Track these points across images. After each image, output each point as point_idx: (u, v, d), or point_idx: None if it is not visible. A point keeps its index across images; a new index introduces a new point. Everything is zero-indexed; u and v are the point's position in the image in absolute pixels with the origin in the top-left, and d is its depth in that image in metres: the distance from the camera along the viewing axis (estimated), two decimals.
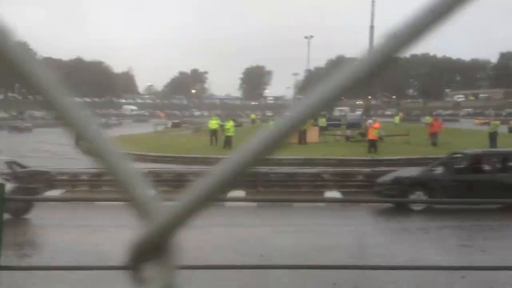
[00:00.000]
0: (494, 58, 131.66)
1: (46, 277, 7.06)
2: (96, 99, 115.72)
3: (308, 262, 8.46)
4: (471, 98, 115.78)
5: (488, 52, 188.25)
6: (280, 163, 21.82)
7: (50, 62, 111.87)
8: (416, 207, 13.34)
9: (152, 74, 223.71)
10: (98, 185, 16.80)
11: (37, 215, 12.90)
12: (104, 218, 12.82)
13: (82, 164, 15.26)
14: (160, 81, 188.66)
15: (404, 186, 13.79)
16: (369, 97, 48.37)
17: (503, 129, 32.35)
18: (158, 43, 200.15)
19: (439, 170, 14.14)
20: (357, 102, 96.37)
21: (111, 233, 11.32)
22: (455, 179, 13.59)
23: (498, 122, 27.48)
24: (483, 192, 13.01)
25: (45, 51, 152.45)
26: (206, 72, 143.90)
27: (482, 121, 58.45)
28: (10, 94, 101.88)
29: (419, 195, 13.68)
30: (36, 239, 11.63)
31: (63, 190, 17.08)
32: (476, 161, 14.42)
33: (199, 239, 11.23)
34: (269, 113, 76.11)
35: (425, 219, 12.75)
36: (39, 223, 12.74)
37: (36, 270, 6.35)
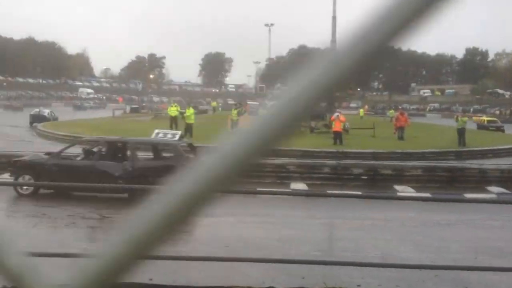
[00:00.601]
0: (459, 54, 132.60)
1: None
2: (51, 81, 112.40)
3: (275, 254, 8.38)
4: (437, 93, 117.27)
5: (454, 47, 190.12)
6: None
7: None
8: (24, 191, 13.09)
9: (108, 57, 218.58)
10: None
11: None
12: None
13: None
14: (117, 65, 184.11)
15: (16, 169, 13.73)
16: None
17: (471, 125, 32.84)
18: (115, 26, 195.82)
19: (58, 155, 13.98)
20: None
21: None
22: (59, 164, 13.38)
23: (466, 118, 27.80)
24: (85, 178, 12.57)
25: None
26: (163, 57, 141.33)
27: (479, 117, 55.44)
28: None
29: (28, 178, 13.53)
30: None
31: None
32: (96, 148, 14.34)
33: None
34: (230, 101, 75.32)
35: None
36: None
37: None
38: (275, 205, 13.10)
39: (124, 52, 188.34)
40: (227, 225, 11.53)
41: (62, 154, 14.09)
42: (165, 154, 14.09)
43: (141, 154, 14.33)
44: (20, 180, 13.53)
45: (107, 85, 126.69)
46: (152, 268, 6.96)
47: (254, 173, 16.97)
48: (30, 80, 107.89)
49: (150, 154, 14.49)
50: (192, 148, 14.56)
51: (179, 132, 15.02)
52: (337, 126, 24.86)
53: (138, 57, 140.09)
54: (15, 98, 79.49)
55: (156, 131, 16.47)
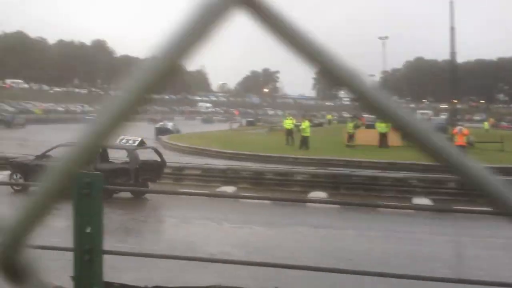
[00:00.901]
0: None
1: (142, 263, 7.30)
2: (173, 96, 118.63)
3: (402, 271, 7.97)
4: None
5: None
6: (361, 165, 20.82)
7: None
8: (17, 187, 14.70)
9: (224, 72, 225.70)
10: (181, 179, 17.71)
11: None
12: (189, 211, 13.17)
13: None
14: (232, 80, 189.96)
15: (12, 167, 16.59)
16: (455, 100, 45.48)
17: None
18: (230, 42, 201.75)
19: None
20: (441, 106, 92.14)
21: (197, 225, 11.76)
22: (40, 164, 15.29)
23: None
24: None
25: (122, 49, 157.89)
26: (277, 72, 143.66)
27: None
28: (93, 89, 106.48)
29: (19, 177, 16.12)
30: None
31: None
32: None
33: (285, 237, 10.94)
34: (345, 114, 74.35)
35: None
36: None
37: (134, 256, 6.29)
38: (397, 220, 12.73)
39: (239, 68, 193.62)
40: (348, 238, 11.34)
41: (47, 155, 16.33)
42: (125, 158, 16.11)
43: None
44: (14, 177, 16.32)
45: (224, 99, 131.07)
46: (277, 276, 7.01)
47: (374, 186, 16.67)
48: (155, 96, 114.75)
49: (119, 158, 16.58)
50: (157, 153, 16.49)
51: (139, 139, 16.58)
52: (459, 140, 23.58)
53: (252, 72, 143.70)
54: (151, 112, 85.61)
55: (121, 137, 17.88)
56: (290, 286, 6.84)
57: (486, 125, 54.01)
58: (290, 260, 8.48)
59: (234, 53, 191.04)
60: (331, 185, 16.59)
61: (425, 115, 66.60)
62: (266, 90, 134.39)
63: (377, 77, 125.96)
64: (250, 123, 61.46)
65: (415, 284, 6.71)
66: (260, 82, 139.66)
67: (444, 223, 12.21)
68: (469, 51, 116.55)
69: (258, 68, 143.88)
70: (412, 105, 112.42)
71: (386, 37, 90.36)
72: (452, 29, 42.54)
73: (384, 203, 13.92)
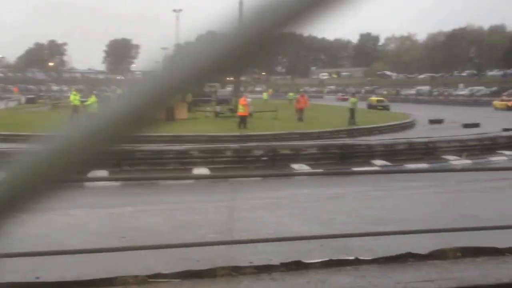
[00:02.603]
0: (354, 39, 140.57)
1: None
2: None
3: (174, 240, 7.99)
4: (334, 76, 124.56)
5: (350, 32, 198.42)
6: (147, 140, 21.06)
7: None
8: None
9: (3, 45, 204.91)
10: None
11: None
12: None
13: None
14: (12, 53, 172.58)
15: None
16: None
17: (362, 105, 34.72)
18: (10, 11, 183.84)
19: None
20: (228, 78, 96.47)
21: None
22: None
23: (356, 99, 29.52)
24: None
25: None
26: (65, 44, 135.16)
27: (343, 97, 64.86)
28: None
29: None
30: None
31: None
32: None
33: (56, 223, 10.39)
34: None
35: None
36: None
37: None
38: (177, 192, 13.12)
39: (21, 39, 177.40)
40: (125, 216, 11.30)
41: None
42: None
43: None
44: None
45: (1, 74, 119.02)
46: (38, 266, 6.73)
47: (156, 160, 17.06)
48: None
49: None
50: None
51: None
52: (242, 110, 25.33)
53: (37, 44, 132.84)
54: None
55: None
56: (51, 274, 6.54)
57: (265, 95, 58.57)
58: (58, 246, 7.67)
59: (16, 22, 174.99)
60: (111, 162, 16.45)
61: (212, 87, 68.98)
62: (51, 64, 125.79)
63: (171, 50, 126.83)
64: (30, 101, 56.94)
65: (181, 251, 7.08)
66: (45, 55, 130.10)
67: (220, 190, 13.00)
68: None
69: (44, 40, 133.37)
70: None
71: (180, 10, 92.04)
72: (240, 3, 44.84)
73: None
